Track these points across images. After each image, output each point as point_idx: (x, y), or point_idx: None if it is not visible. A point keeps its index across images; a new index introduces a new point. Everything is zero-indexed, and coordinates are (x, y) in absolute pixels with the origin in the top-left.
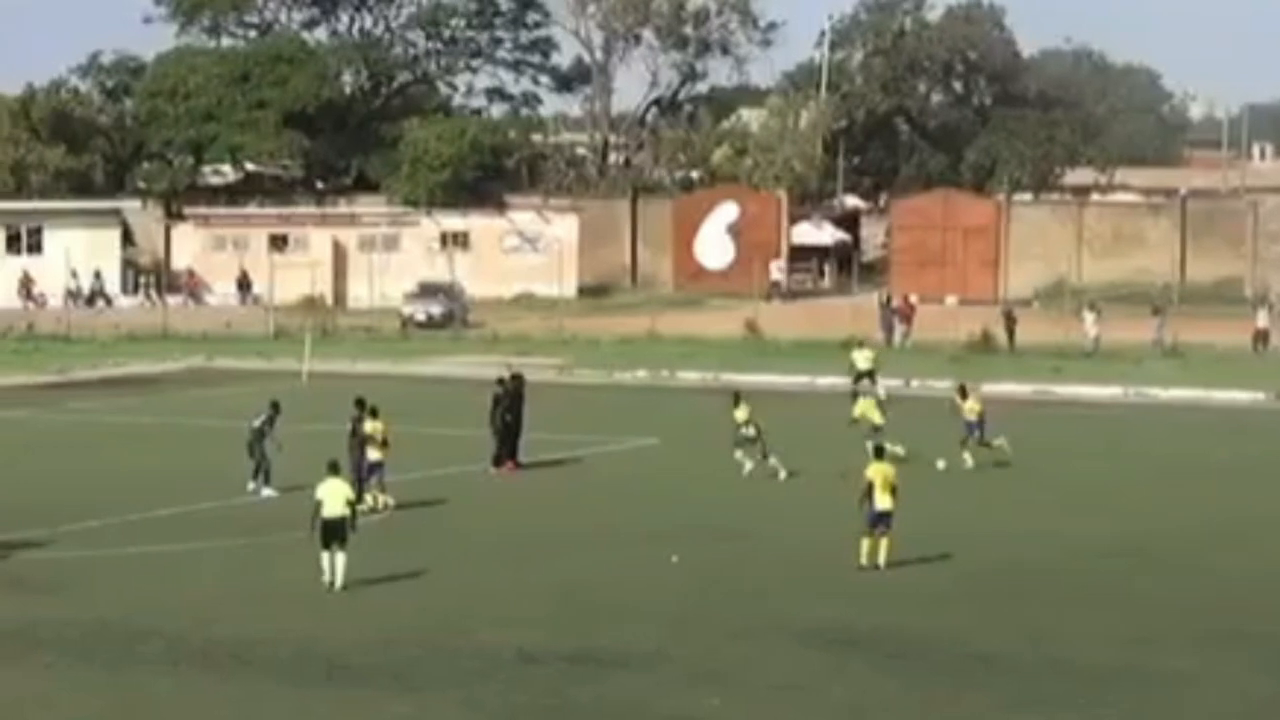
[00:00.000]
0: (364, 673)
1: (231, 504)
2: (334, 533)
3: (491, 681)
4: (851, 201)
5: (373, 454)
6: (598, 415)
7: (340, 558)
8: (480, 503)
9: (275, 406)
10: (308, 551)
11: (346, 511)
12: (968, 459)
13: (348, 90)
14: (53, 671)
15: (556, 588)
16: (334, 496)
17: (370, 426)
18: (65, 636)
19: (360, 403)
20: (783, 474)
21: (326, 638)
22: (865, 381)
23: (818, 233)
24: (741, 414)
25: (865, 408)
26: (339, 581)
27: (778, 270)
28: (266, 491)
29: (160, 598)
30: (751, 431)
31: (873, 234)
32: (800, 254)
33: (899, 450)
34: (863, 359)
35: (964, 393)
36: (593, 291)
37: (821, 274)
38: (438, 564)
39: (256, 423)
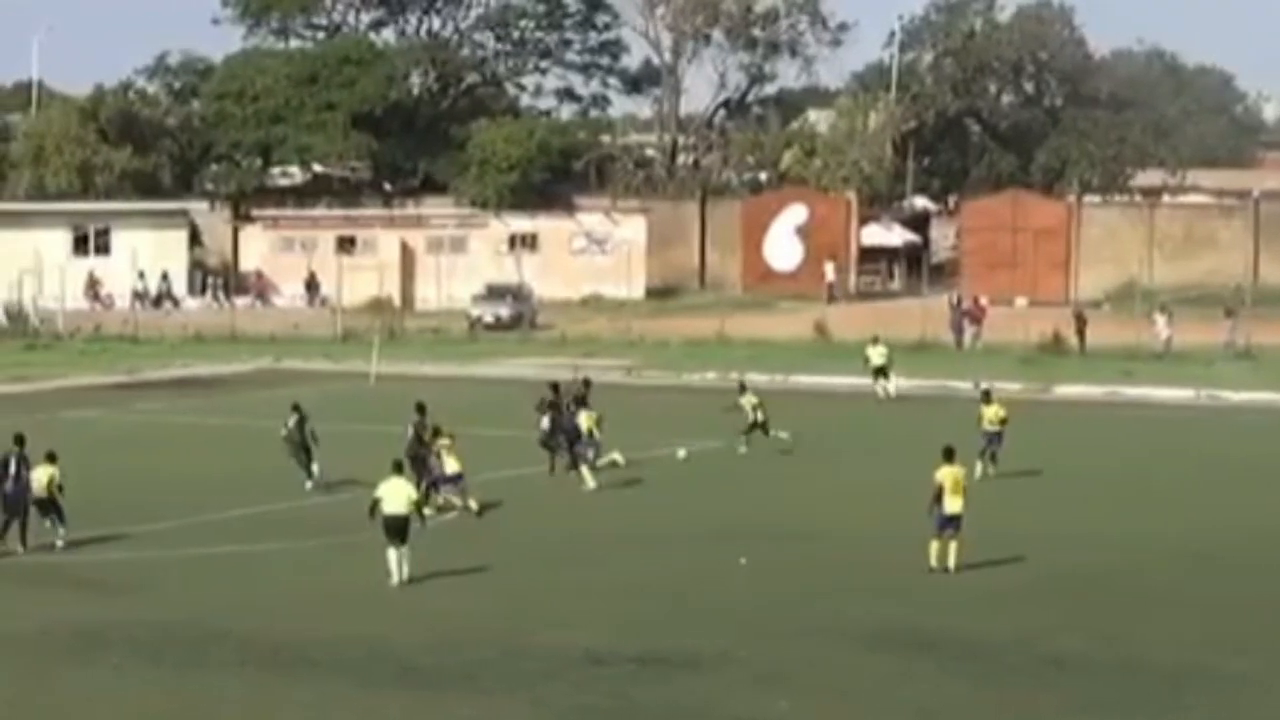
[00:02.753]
0: (433, 674)
1: (300, 505)
2: (396, 530)
3: (558, 683)
4: (921, 203)
5: (453, 464)
6: (666, 418)
7: (404, 553)
8: (548, 504)
9: (296, 408)
10: (376, 552)
11: (409, 510)
12: (979, 468)
13: (415, 91)
14: (122, 673)
15: (624, 589)
16: (395, 495)
17: (444, 440)
18: (134, 637)
19: (421, 408)
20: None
21: (396, 639)
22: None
23: (887, 234)
24: (749, 401)
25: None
26: (405, 574)
27: (832, 271)
28: (310, 485)
29: (229, 599)
30: (760, 416)
31: (942, 235)
32: (869, 256)
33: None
34: (877, 355)
35: (987, 398)
36: (661, 293)
37: (891, 276)
38: (506, 565)
39: (291, 423)
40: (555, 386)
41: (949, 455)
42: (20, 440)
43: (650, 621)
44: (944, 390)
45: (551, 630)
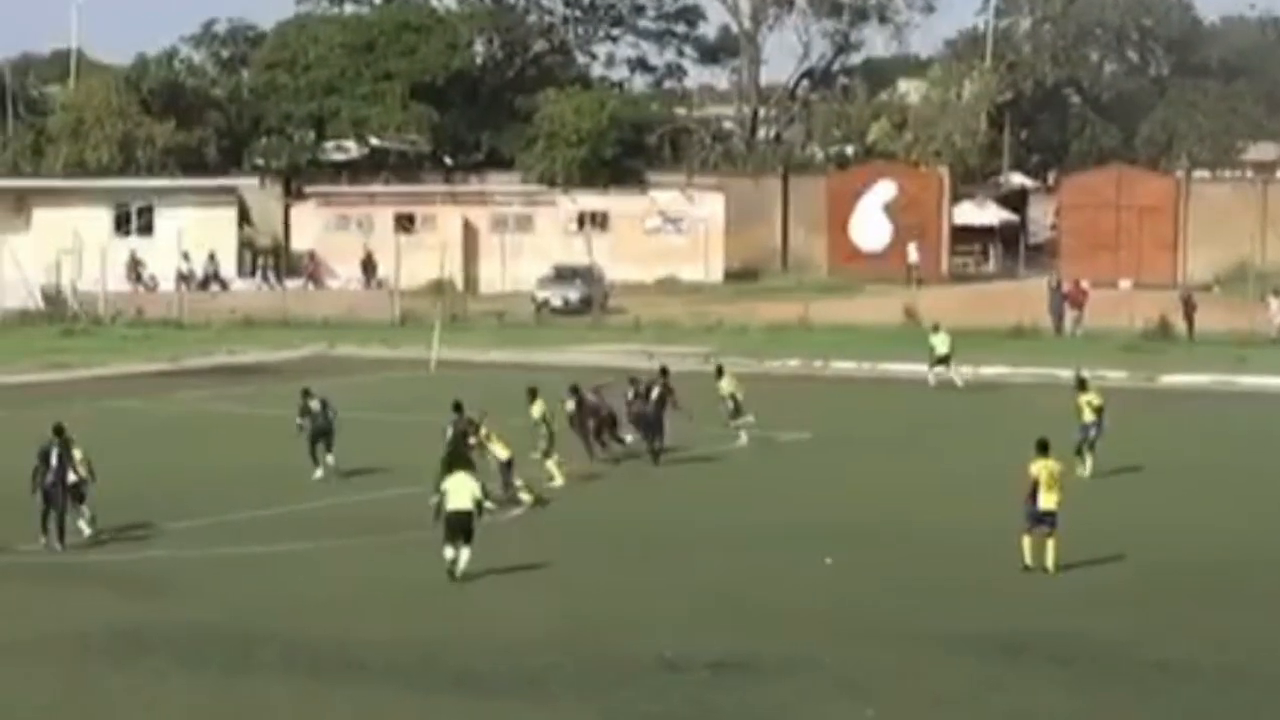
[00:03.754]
0: (494, 680)
1: (350, 501)
2: (459, 527)
3: (629, 690)
4: (1018, 179)
5: (503, 451)
6: (746, 407)
7: (465, 552)
8: (621, 499)
9: (306, 392)
10: (431, 551)
11: (473, 507)
12: (1086, 465)
13: (479, 60)
14: (163, 676)
15: (700, 589)
16: (460, 491)
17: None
18: (176, 640)
19: (459, 406)
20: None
21: (453, 642)
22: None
23: (982, 213)
24: (726, 386)
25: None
26: (461, 566)
27: (915, 252)
28: (319, 474)
29: (276, 600)
30: (730, 405)
31: (1041, 214)
32: (963, 235)
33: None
34: (941, 343)
35: (1082, 386)
36: (740, 275)
37: (986, 257)
38: (574, 563)
39: (315, 407)
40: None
41: (1043, 448)
42: (60, 431)
43: (727, 624)
44: (1043, 378)
45: (621, 633)
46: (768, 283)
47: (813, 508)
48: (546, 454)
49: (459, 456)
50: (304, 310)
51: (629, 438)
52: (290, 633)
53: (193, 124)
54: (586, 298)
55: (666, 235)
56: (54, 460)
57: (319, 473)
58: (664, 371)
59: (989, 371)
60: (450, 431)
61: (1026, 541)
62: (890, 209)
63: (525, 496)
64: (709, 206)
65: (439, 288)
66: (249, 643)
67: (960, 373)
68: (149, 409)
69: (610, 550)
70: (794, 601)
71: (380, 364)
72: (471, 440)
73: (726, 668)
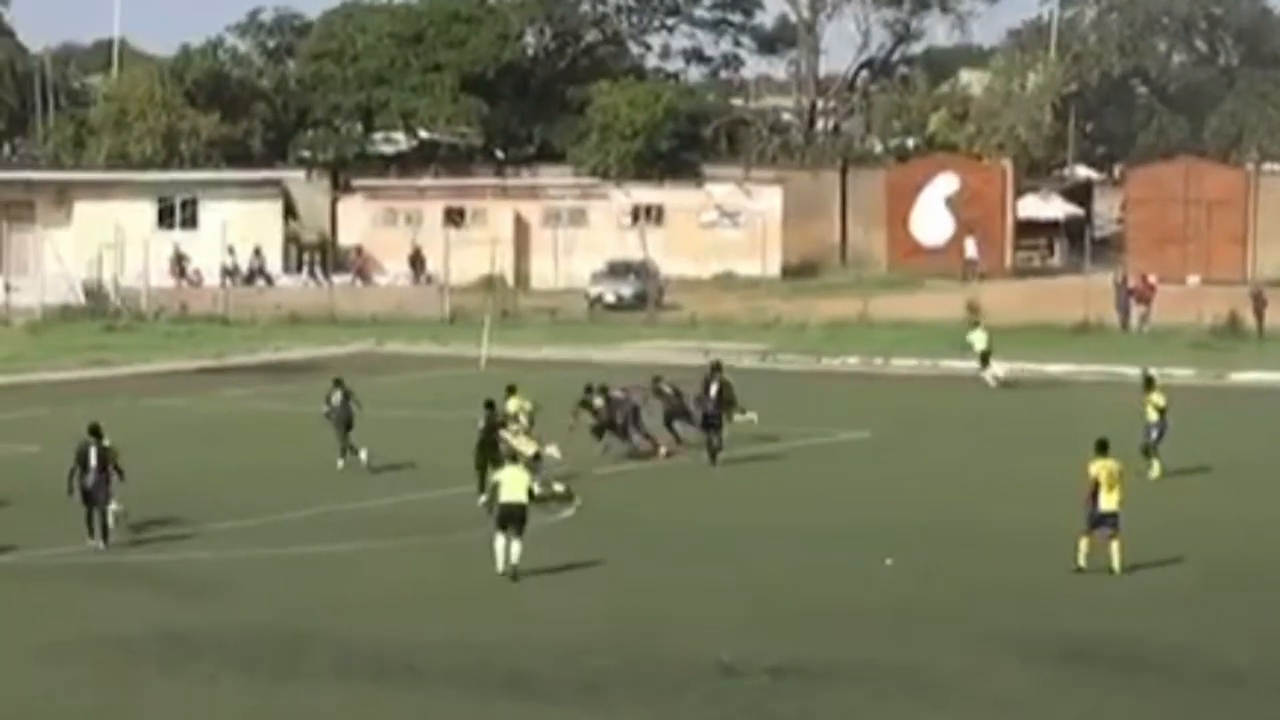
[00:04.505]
0: (549, 684)
1: (401, 500)
2: (511, 518)
3: (688, 695)
4: (1083, 172)
5: (529, 446)
6: (804, 405)
7: (516, 545)
8: (677, 499)
9: (339, 383)
10: (481, 552)
11: (526, 499)
12: (1154, 466)
13: (530, 51)
14: (213, 681)
15: (759, 591)
16: (513, 483)
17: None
18: (226, 644)
19: (490, 404)
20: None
21: (507, 644)
22: None
23: (1046, 206)
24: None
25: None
26: (514, 559)
27: (973, 247)
28: (364, 454)
29: (327, 602)
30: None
31: (1107, 207)
32: (1027, 230)
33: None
34: (979, 340)
35: (1149, 384)
36: (798, 271)
37: (1050, 251)
38: (631, 564)
39: (336, 399)
40: (594, 389)
41: (1102, 448)
42: (96, 430)
43: (786, 627)
44: (1109, 376)
45: (681, 636)
46: (826, 278)
47: (872, 507)
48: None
49: (489, 452)
50: (351, 306)
51: (635, 438)
52: (341, 636)
53: (238, 116)
54: (641, 294)
55: (723, 230)
56: (92, 460)
57: (340, 463)
58: (717, 367)
59: (1054, 369)
60: (481, 425)
61: (1083, 543)
62: (952, 203)
63: (559, 488)
64: (766, 200)
65: (489, 284)
66: (299, 646)
67: (995, 373)
68: (193, 407)
69: (665, 550)
70: (854, 603)
71: (429, 362)
72: (513, 427)
73: (786, 672)
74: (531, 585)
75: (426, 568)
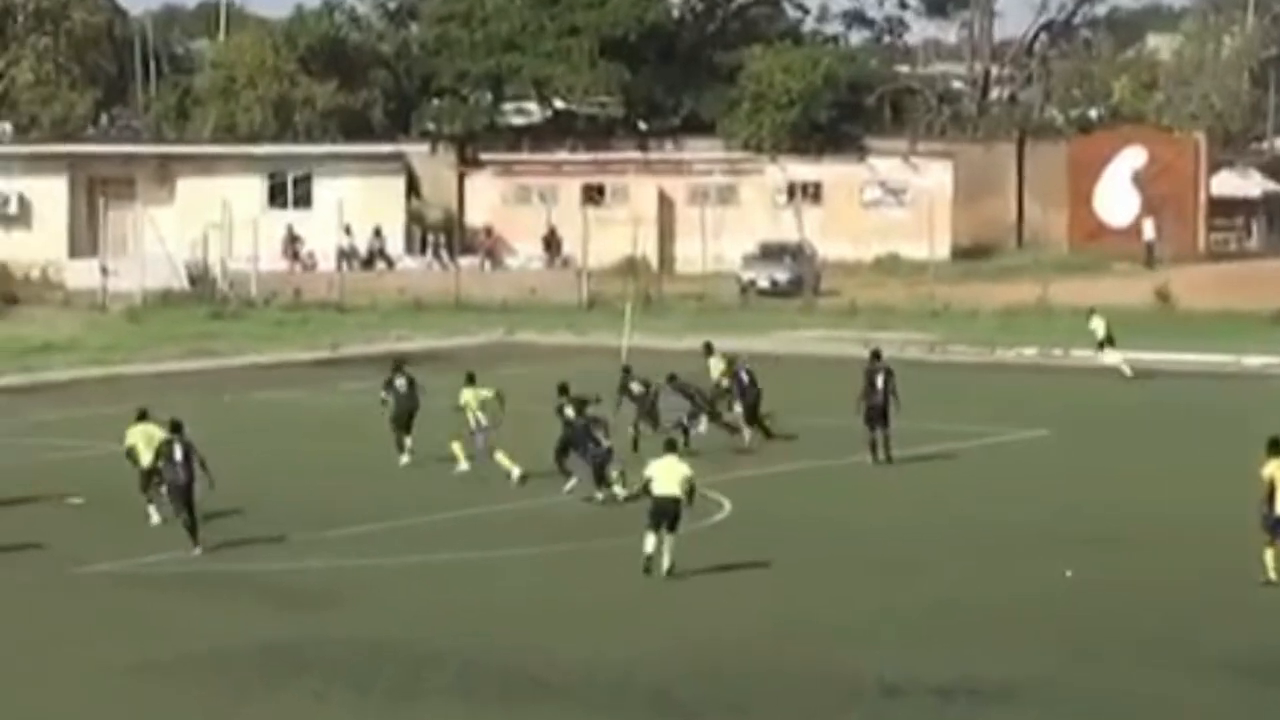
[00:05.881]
0: (695, 705)
1: (532, 505)
2: (663, 513)
3: (845, 716)
4: None
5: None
6: (976, 401)
7: (668, 543)
8: (839, 502)
9: (399, 367)
10: (621, 560)
11: (680, 492)
12: None
13: (676, 13)
14: (323, 700)
15: (923, 603)
16: (667, 475)
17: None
18: (339, 659)
19: (564, 388)
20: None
21: (651, 660)
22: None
23: (1243, 182)
24: (716, 367)
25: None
26: (666, 560)
27: (1151, 228)
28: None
29: (450, 615)
30: (726, 383)
31: None
32: (1222, 208)
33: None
34: (1099, 327)
35: None
36: (969, 253)
37: (1247, 232)
38: (786, 572)
39: (400, 384)
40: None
41: (1275, 447)
42: (178, 427)
43: (956, 643)
44: None
45: (838, 652)
46: (1000, 261)
47: (1050, 513)
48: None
49: (672, 441)
50: (480, 292)
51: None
52: (465, 651)
53: (356, 84)
54: (797, 278)
55: (886, 208)
56: (178, 457)
57: (404, 459)
58: (877, 355)
59: (1252, 362)
60: (570, 414)
61: (1269, 555)
62: (1139, 178)
63: (619, 490)
64: (935, 176)
65: (631, 267)
66: (419, 662)
67: (1109, 360)
68: (306, 402)
69: (824, 557)
70: (1029, 617)
71: (565, 352)
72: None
73: (954, 692)
74: (677, 595)
75: (561, 576)
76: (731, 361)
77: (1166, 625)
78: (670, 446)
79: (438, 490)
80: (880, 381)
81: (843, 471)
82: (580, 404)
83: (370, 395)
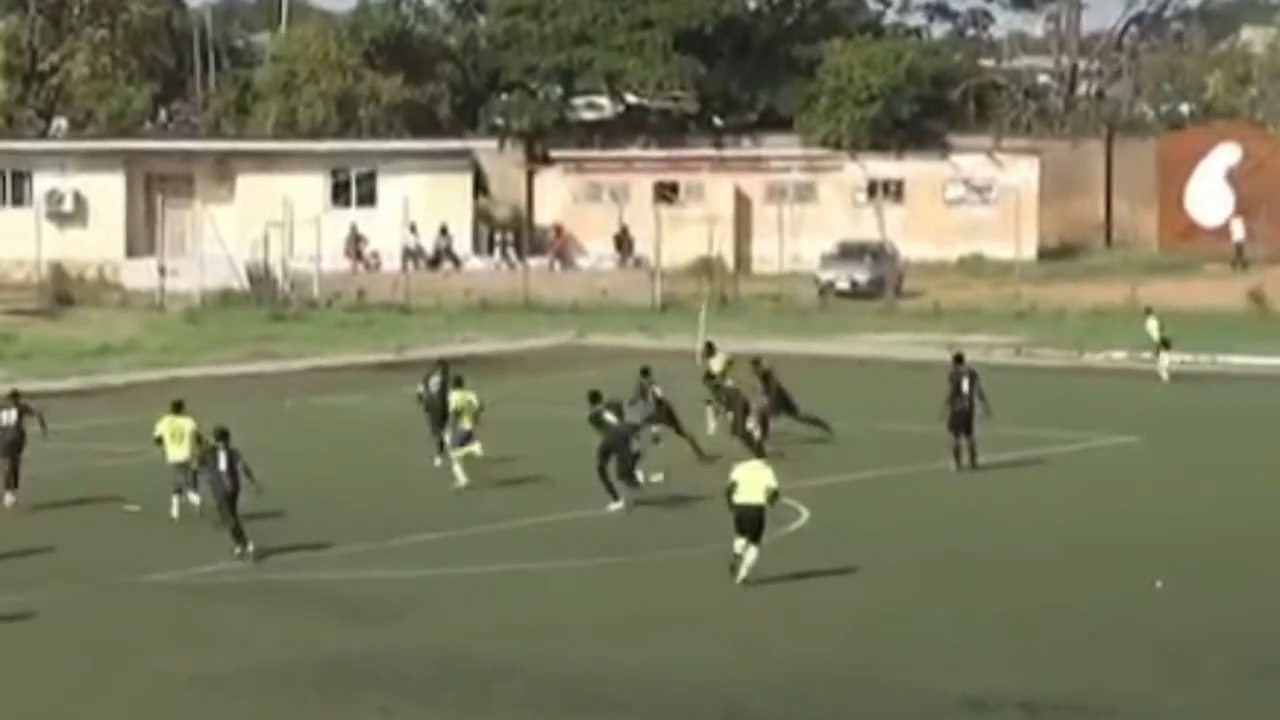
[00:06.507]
0: (769, 719)
1: (597, 515)
2: (746, 521)
3: None
4: None
5: (465, 423)
6: (1063, 406)
7: (751, 552)
8: (917, 511)
9: (442, 364)
10: (683, 572)
11: (763, 500)
12: None
13: (753, 5)
14: (389, 715)
15: (1009, 614)
16: (750, 481)
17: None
18: (404, 673)
19: (597, 396)
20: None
21: (726, 674)
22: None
23: None
24: (718, 364)
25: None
26: (744, 570)
27: (1240, 228)
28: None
29: (518, 627)
30: (729, 383)
31: None
32: None
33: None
34: (1155, 328)
35: None
36: (1056, 253)
37: None
38: (866, 582)
39: (434, 384)
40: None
41: None
42: (224, 434)
43: (1043, 657)
44: None
45: (919, 665)
46: (1088, 261)
47: (1139, 522)
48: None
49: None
50: (549, 293)
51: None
52: (535, 664)
53: (422, 78)
54: (877, 279)
55: (970, 207)
56: (223, 464)
57: (438, 461)
58: (960, 359)
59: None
60: (612, 419)
61: None
62: (1233, 176)
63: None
64: (1021, 173)
65: (706, 267)
66: (487, 676)
67: (1165, 365)
68: (369, 406)
69: (905, 565)
70: (1119, 631)
71: (638, 355)
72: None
73: (1041, 708)
74: (747, 605)
75: (633, 588)
76: (731, 362)
77: (1267, 643)
78: (758, 451)
79: (505, 498)
80: (965, 386)
81: (925, 478)
82: (618, 409)
83: None
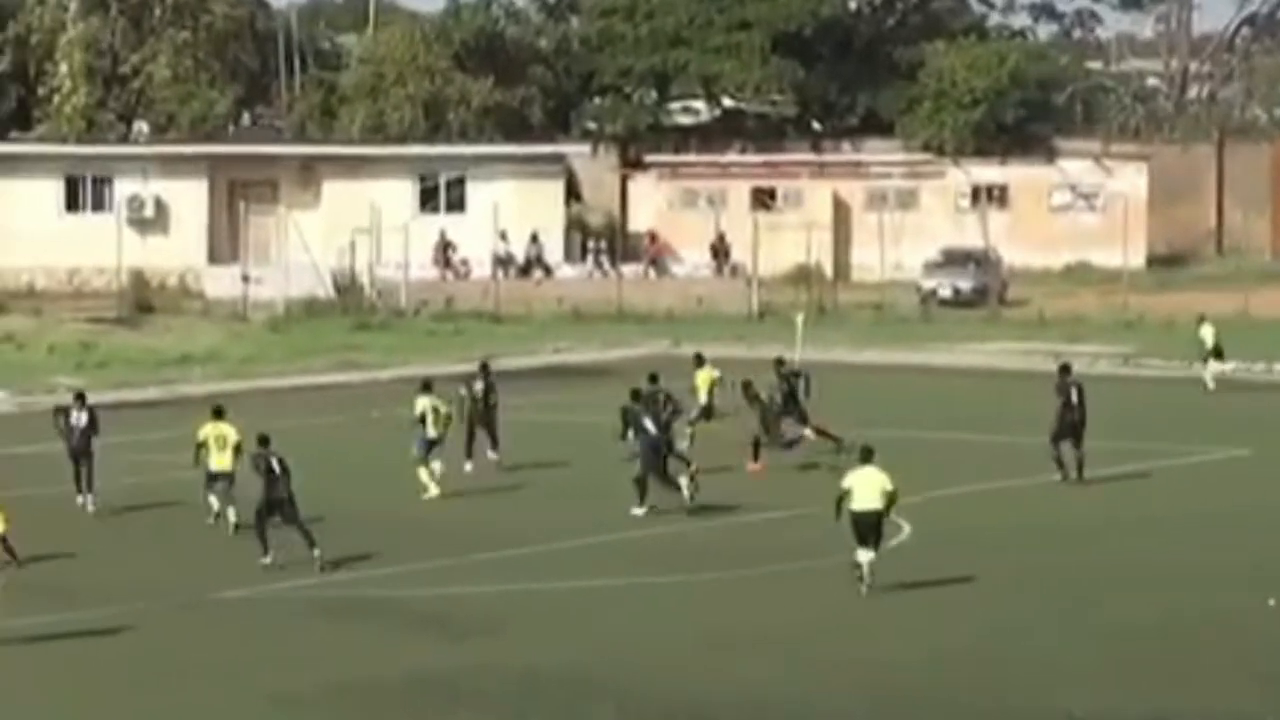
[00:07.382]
0: None
1: (691, 529)
2: (865, 528)
3: None
4: None
5: (431, 430)
6: (1172, 418)
7: (869, 559)
8: (1022, 524)
9: (485, 369)
10: (776, 587)
11: (881, 505)
12: None
13: (853, 7)
14: None
15: (1114, 632)
16: (866, 486)
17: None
18: (491, 691)
19: (639, 394)
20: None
21: (821, 694)
22: None
23: None
24: (704, 377)
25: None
26: (865, 577)
27: None
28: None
29: (606, 645)
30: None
31: None
32: None
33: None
34: (1208, 336)
35: None
36: (1166, 261)
37: None
38: (966, 597)
39: (478, 388)
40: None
41: None
42: (266, 440)
43: (1148, 675)
44: None
45: (1018, 684)
46: (1199, 269)
47: (1250, 537)
48: (422, 460)
49: (868, 449)
50: (643, 301)
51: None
52: (627, 684)
53: (513, 81)
54: (981, 287)
55: (1077, 213)
56: (277, 469)
57: (468, 466)
58: (1066, 369)
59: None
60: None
61: None
62: None
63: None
64: (1129, 179)
65: (804, 275)
66: (578, 696)
67: (1214, 372)
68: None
69: (1005, 579)
70: (1229, 652)
71: (734, 364)
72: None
73: None
74: (847, 622)
75: (731, 605)
76: (716, 381)
77: None
78: (867, 456)
79: (597, 511)
80: (1074, 396)
81: (1031, 491)
82: (657, 415)
83: (526, 411)
